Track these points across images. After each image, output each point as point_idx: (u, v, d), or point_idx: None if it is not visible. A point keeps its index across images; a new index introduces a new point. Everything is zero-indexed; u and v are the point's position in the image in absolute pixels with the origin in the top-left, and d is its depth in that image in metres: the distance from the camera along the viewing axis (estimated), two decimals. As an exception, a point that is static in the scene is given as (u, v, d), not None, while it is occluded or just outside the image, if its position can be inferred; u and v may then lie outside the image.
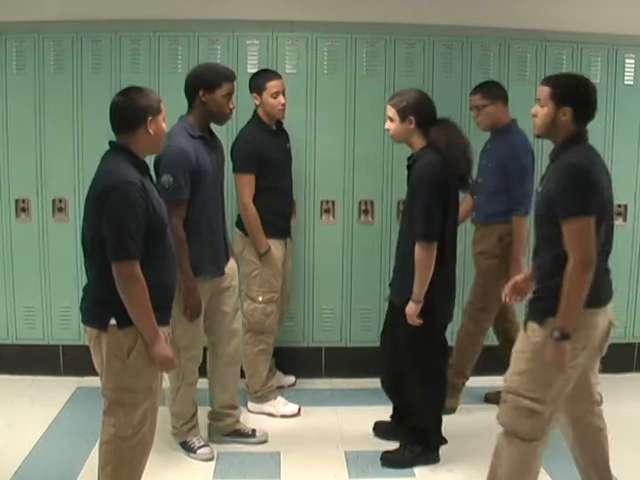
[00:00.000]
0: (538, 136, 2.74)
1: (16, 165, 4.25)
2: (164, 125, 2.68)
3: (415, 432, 3.46)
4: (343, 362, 4.41)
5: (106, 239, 2.49)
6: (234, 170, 3.82)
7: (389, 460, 3.45)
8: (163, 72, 4.19)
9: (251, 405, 3.99)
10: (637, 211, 4.50)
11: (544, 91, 2.64)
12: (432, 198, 3.15)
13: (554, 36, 4.30)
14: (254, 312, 3.87)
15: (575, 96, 2.61)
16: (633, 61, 4.38)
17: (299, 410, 3.98)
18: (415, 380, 3.41)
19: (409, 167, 3.32)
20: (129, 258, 2.48)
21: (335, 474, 3.39)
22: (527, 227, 3.80)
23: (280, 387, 4.21)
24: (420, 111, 3.22)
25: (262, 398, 3.97)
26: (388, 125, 3.31)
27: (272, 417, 3.93)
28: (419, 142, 3.25)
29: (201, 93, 3.27)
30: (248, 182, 3.78)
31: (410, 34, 4.27)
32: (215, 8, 4.15)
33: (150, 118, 2.59)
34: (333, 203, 4.37)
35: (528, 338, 2.65)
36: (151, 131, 2.60)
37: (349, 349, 4.43)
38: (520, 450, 2.66)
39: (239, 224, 3.91)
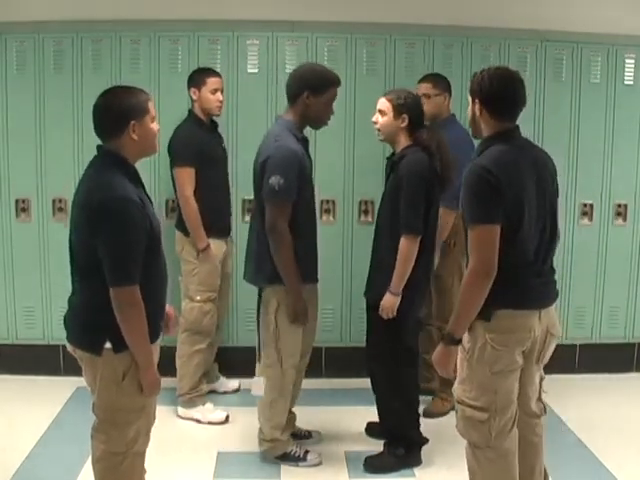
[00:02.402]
0: (474, 136, 2.68)
1: (16, 165, 4.25)
2: (153, 126, 2.43)
3: (394, 434, 3.45)
4: (343, 362, 4.40)
5: (104, 262, 2.30)
6: (173, 164, 3.79)
7: (373, 465, 3.40)
8: (163, 72, 4.19)
9: (180, 410, 3.92)
10: (637, 211, 4.49)
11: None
12: (420, 194, 3.18)
13: (554, 36, 4.30)
14: (192, 311, 3.85)
15: (481, 89, 2.51)
16: (633, 61, 4.38)
17: (227, 418, 3.85)
18: (384, 382, 3.41)
19: (392, 163, 3.32)
20: (130, 283, 2.31)
21: (335, 474, 3.38)
22: (451, 221, 3.74)
23: (224, 392, 4.22)
24: (415, 111, 3.25)
25: (190, 403, 3.89)
26: (376, 119, 3.30)
27: (199, 424, 3.86)
28: (404, 141, 3.27)
29: (305, 95, 3.13)
30: (189, 176, 3.75)
31: (410, 34, 4.27)
32: (215, 8, 4.15)
33: (133, 122, 2.36)
34: (333, 203, 4.37)
35: (462, 345, 2.56)
36: (135, 137, 2.37)
37: (349, 349, 4.43)
38: (490, 461, 2.57)
39: (178, 225, 3.91)
